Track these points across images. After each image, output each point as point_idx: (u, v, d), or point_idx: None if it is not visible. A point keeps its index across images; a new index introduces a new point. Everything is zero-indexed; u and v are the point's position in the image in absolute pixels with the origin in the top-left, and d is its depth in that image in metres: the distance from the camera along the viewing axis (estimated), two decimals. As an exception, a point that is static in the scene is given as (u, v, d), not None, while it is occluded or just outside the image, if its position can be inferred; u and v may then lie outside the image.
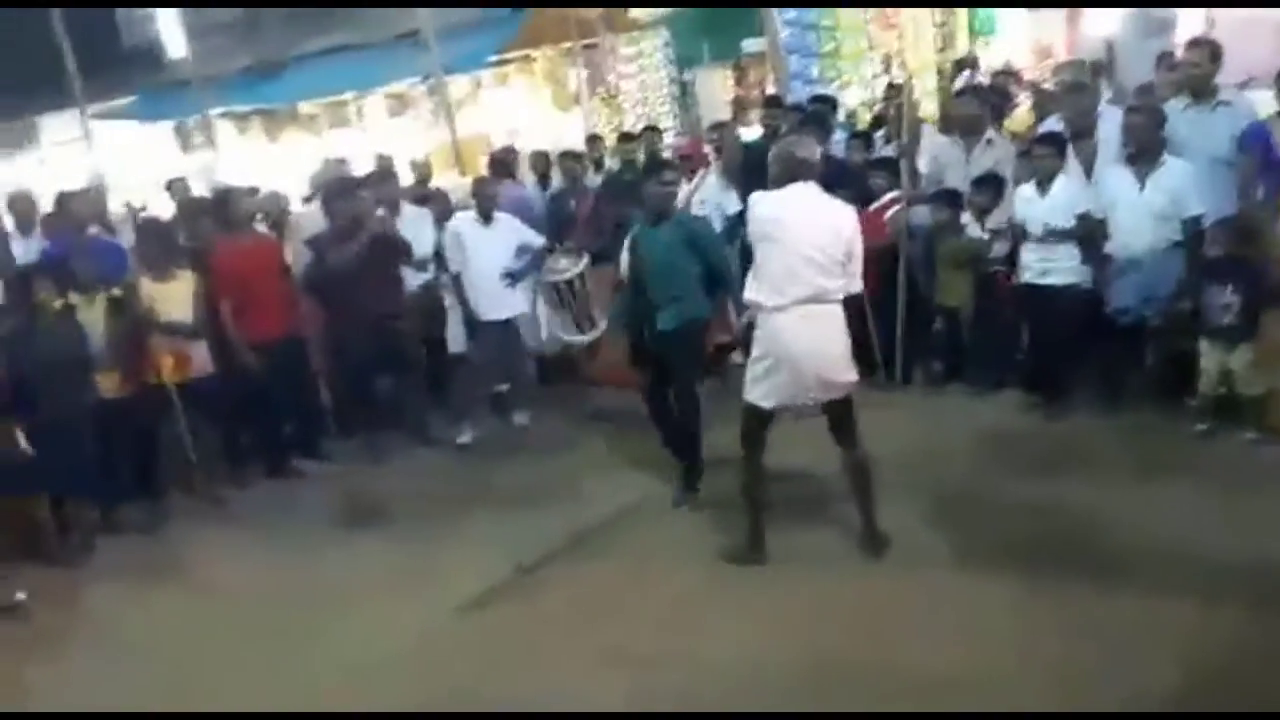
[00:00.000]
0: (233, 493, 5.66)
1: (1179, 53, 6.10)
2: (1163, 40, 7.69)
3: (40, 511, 4.88)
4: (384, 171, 7.17)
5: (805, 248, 3.72)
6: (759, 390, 3.83)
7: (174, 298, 5.32)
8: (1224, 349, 4.67)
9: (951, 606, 3.55)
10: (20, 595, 4.43)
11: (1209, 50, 5.29)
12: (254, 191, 6.79)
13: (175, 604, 4.38)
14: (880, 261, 5.97)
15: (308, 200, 7.21)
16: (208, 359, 5.45)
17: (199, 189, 8.06)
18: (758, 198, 3.85)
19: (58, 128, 12.87)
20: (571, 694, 3.30)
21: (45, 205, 6.54)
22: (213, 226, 5.80)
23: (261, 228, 6.29)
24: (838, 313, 3.84)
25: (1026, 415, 5.33)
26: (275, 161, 11.51)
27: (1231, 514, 3.96)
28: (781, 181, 3.84)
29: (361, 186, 6.18)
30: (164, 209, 7.82)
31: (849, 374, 3.90)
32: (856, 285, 3.99)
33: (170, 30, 13.47)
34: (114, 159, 11.43)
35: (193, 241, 5.79)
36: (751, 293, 3.79)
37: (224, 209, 5.81)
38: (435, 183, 7.70)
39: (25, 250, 5.97)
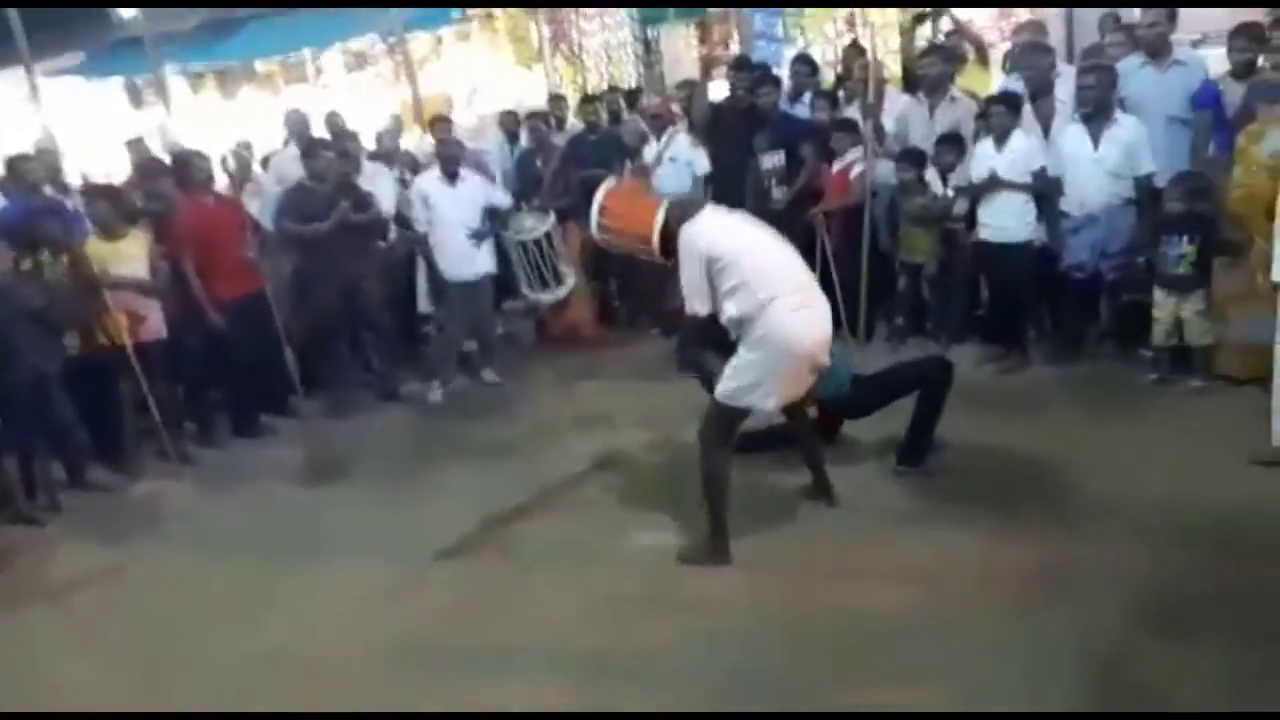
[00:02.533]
0: (201, 451, 5.64)
1: (1126, 14, 6.21)
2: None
3: (7, 471, 4.85)
4: (343, 129, 7.11)
5: (760, 246, 3.69)
6: (759, 392, 3.62)
7: (124, 256, 5.25)
8: (1177, 299, 4.82)
9: (910, 551, 3.66)
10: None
11: (1166, 10, 5.39)
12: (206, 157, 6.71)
13: (141, 562, 4.37)
14: (845, 220, 6.08)
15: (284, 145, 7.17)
16: (162, 319, 5.39)
17: (155, 148, 7.90)
18: (688, 233, 3.65)
19: (4, 86, 12.48)
20: (544, 644, 3.35)
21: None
22: (173, 187, 5.74)
23: (224, 181, 6.25)
24: (817, 293, 3.76)
25: (985, 368, 5.48)
26: (231, 120, 11.28)
27: (1178, 459, 4.11)
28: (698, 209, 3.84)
29: (327, 145, 6.17)
30: (118, 168, 7.70)
31: (828, 355, 3.83)
32: None
33: (121, -14, 13.05)
34: (63, 117, 11.12)
35: (152, 202, 5.72)
36: (732, 312, 3.60)
37: (185, 170, 5.73)
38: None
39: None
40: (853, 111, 6.33)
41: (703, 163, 6.45)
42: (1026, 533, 3.69)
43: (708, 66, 11.21)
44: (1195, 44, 6.20)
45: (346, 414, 6.00)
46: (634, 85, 10.48)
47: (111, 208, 5.36)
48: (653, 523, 4.09)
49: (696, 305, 3.65)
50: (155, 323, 5.37)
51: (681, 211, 3.78)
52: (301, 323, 6.14)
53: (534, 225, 6.40)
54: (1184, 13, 5.59)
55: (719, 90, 7.83)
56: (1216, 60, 5.47)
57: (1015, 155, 5.27)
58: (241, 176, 6.71)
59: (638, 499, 4.37)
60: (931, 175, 5.81)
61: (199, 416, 5.80)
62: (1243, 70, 5.12)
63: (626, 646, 3.28)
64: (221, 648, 3.56)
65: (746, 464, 4.39)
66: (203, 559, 4.31)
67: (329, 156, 5.95)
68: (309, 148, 6.06)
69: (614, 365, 6.42)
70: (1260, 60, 4.94)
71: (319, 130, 7.07)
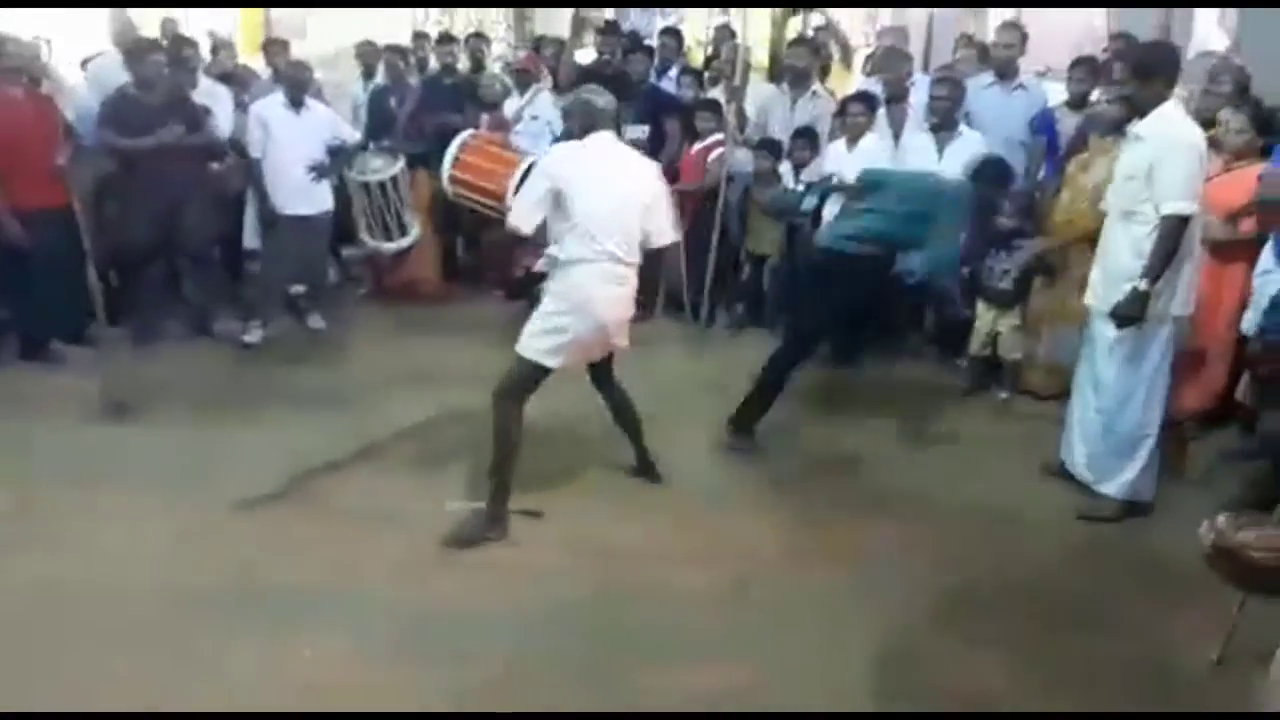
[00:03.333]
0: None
1: (981, 34, 6.50)
2: (978, 21, 8.14)
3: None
4: (180, 36, 6.54)
5: (611, 199, 3.55)
6: (547, 344, 3.57)
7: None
8: (996, 312, 5.09)
9: (723, 535, 3.71)
10: None
11: (1019, 34, 5.66)
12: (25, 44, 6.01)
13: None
14: (699, 203, 6.09)
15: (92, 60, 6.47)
16: None
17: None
18: (558, 150, 3.62)
19: None
20: (335, 601, 3.20)
21: None
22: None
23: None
24: (634, 277, 3.71)
25: (817, 365, 5.63)
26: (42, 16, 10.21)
27: (977, 463, 4.44)
28: (582, 132, 3.68)
29: (158, 49, 5.65)
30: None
31: (626, 339, 3.85)
32: (668, 237, 3.85)
33: None
34: None
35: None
36: (555, 251, 3.54)
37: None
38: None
39: None
40: (717, 93, 6.34)
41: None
42: (830, 518, 3.85)
43: (579, 28, 11.01)
44: (1039, 75, 6.54)
45: (152, 346, 5.56)
46: (501, 36, 10.18)
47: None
48: (468, 488, 3.96)
49: (521, 222, 3.53)
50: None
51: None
52: (111, 244, 5.63)
53: (381, 167, 6.10)
54: (1031, 45, 5.89)
55: (587, 54, 7.70)
56: (1055, 93, 5.79)
57: (866, 157, 5.40)
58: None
59: (457, 462, 4.23)
60: (785, 168, 5.90)
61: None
62: (1078, 101, 5.43)
63: (424, 611, 3.16)
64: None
65: (576, 440, 4.39)
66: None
67: (159, 61, 5.46)
68: (136, 48, 5.53)
69: (452, 323, 6.21)
70: (1095, 93, 5.26)
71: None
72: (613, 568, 3.45)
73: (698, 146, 6.11)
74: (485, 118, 6.45)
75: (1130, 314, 3.63)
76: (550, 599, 3.25)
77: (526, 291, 6.55)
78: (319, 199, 5.82)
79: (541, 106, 6.38)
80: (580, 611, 3.20)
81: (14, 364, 5.24)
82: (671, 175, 6.13)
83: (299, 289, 6.11)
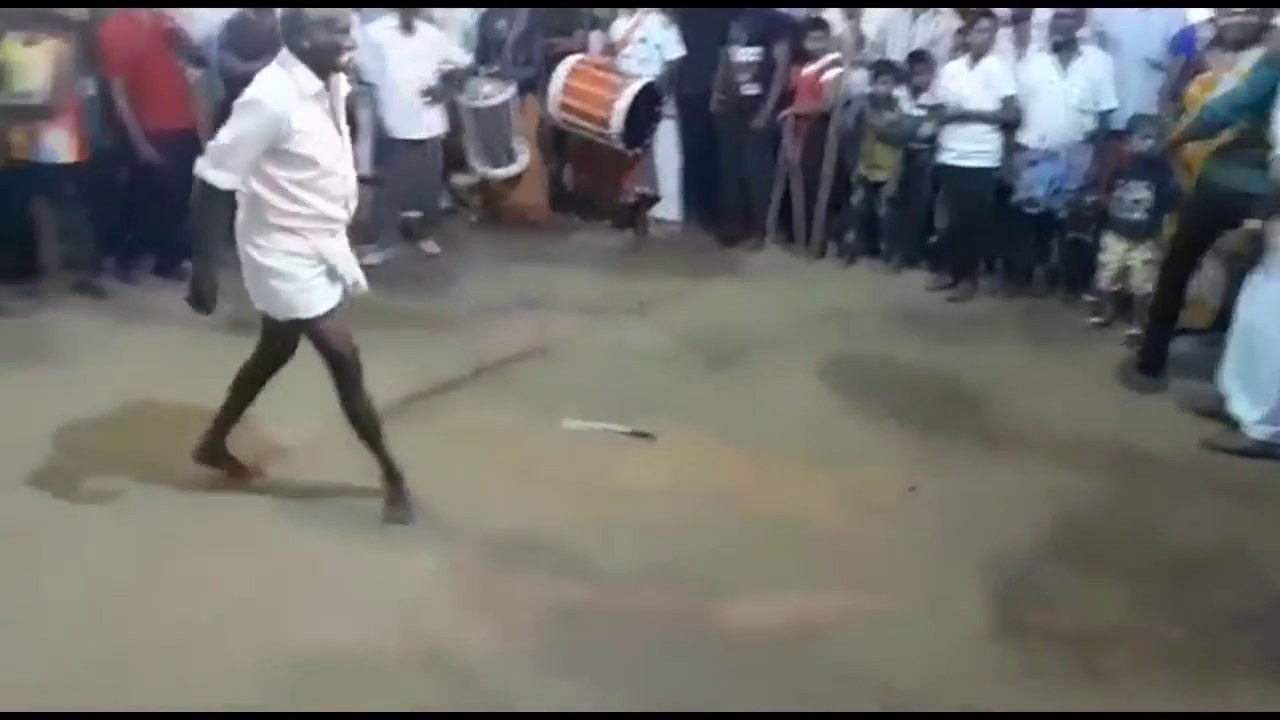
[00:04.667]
0: (120, 287, 5.36)
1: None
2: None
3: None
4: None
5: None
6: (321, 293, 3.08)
7: (31, 65, 4.79)
8: (1128, 245, 4.83)
9: (835, 466, 3.65)
10: None
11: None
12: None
13: (36, 387, 4.16)
14: (811, 127, 5.92)
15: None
16: (63, 141, 4.98)
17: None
18: (288, 81, 2.85)
19: None
20: (455, 517, 3.27)
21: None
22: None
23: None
24: None
25: (932, 294, 5.48)
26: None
27: (1101, 398, 4.25)
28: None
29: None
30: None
31: None
32: None
33: None
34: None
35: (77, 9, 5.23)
36: (279, 202, 2.93)
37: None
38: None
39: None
40: (832, 13, 6.11)
41: (673, 46, 6.17)
42: (948, 450, 3.75)
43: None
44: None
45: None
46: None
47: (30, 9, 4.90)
48: (582, 409, 4.01)
49: (222, 175, 2.86)
50: (57, 144, 4.94)
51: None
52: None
53: (492, 93, 6.10)
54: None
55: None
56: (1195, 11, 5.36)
57: (987, 76, 5.15)
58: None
59: (567, 386, 4.28)
60: (902, 91, 5.67)
61: (120, 251, 5.50)
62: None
63: (542, 526, 3.22)
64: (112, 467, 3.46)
65: (682, 366, 4.36)
66: (105, 390, 4.07)
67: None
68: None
69: (560, 251, 6.24)
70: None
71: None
72: (721, 494, 3.45)
73: (811, 68, 5.91)
74: (595, 41, 6.36)
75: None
76: (658, 520, 3.26)
77: (634, 220, 6.56)
78: (431, 124, 5.87)
79: (649, 28, 6.22)
80: (688, 533, 3.21)
81: (148, 279, 5.49)
82: (785, 99, 5.98)
83: (413, 214, 6.22)
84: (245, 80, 3.00)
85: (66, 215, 5.19)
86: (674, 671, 2.59)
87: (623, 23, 6.28)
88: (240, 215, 3.03)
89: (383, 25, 5.72)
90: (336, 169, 2.98)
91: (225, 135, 2.86)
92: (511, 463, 3.61)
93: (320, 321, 3.07)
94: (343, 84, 3.04)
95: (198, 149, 5.26)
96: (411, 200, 6.13)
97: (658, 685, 2.53)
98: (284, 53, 2.89)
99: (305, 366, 3.27)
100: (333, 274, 3.08)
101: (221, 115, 5.55)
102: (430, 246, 6.14)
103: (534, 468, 3.57)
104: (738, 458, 3.70)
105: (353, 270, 3.15)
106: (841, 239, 6.11)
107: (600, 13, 6.45)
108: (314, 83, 2.88)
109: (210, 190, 2.87)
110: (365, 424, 3.22)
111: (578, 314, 5.14)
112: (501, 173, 6.43)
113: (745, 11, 6.02)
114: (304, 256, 2.99)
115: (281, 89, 2.83)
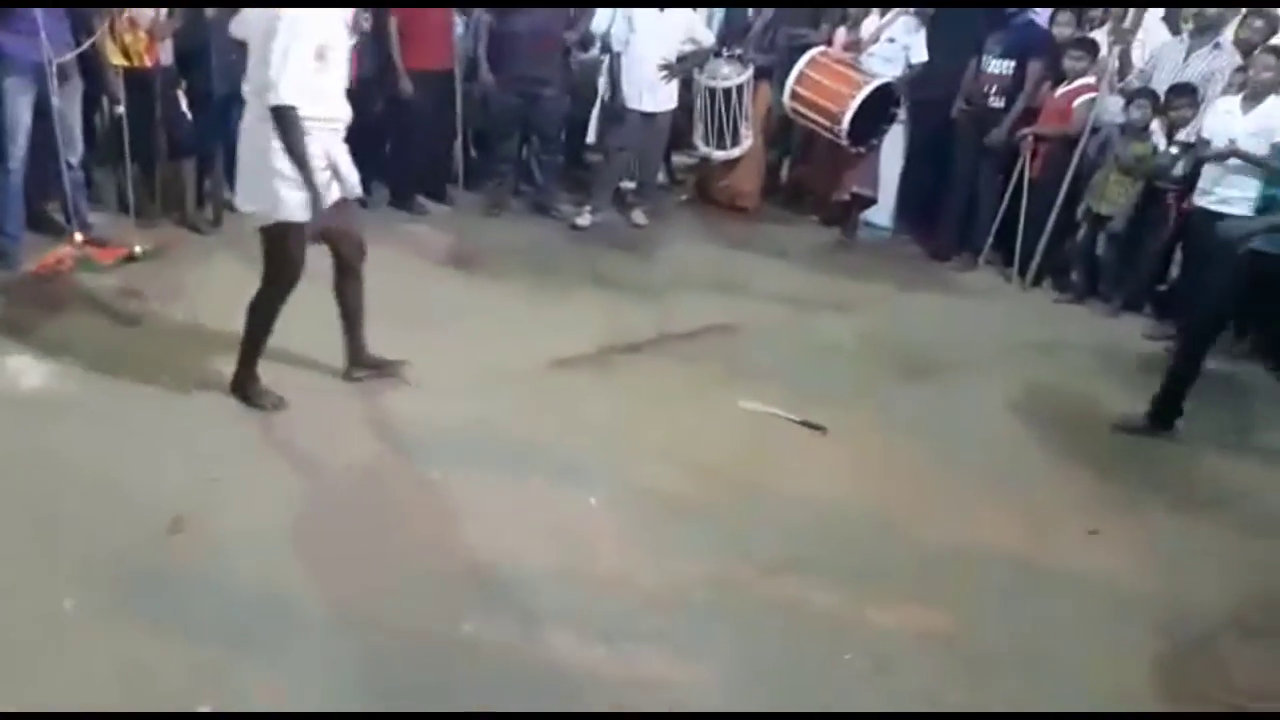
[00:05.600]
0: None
1: None
2: None
3: (185, 176, 5.17)
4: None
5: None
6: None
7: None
8: None
9: (1014, 495, 3.50)
10: (138, 249, 4.68)
11: None
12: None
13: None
14: (1052, 150, 5.60)
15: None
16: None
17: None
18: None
19: None
20: (619, 468, 3.37)
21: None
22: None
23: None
24: None
25: (1151, 343, 5.09)
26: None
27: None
28: None
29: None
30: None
31: None
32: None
33: None
34: None
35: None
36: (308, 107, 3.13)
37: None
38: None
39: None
40: (1100, 34, 5.76)
41: (920, 50, 6.01)
42: (1139, 504, 3.48)
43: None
44: None
45: (497, 215, 6.09)
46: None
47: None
48: (758, 392, 4.02)
49: (294, 93, 3.05)
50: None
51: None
52: (477, 116, 6.18)
53: (730, 74, 6.19)
54: None
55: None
56: None
57: (1265, 120, 4.68)
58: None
59: (747, 366, 4.30)
60: (1156, 125, 5.28)
61: (361, 176, 5.93)
62: None
63: (697, 497, 3.26)
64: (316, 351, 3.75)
65: (864, 358, 4.27)
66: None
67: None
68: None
69: (763, 240, 6.23)
70: None
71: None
72: (884, 501, 3.37)
73: (1063, 89, 5.60)
74: (840, 36, 6.30)
75: None
76: (816, 514, 3.23)
77: (845, 219, 6.46)
78: (664, 98, 6.00)
79: (899, 29, 6.10)
80: (844, 531, 3.16)
81: (382, 208, 5.91)
82: (1027, 117, 5.71)
83: (629, 185, 6.40)
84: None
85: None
86: (809, 670, 2.56)
87: (873, 21, 6.17)
88: (249, 120, 3.25)
89: (639, -1, 5.86)
90: (339, 79, 3.21)
91: (282, 51, 3.02)
92: (679, 429, 3.67)
93: (295, 228, 3.24)
94: None
95: (452, 90, 5.74)
96: (631, 170, 6.30)
97: (789, 682, 2.50)
98: None
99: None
100: (336, 174, 3.27)
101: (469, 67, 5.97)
102: (638, 217, 6.29)
103: (699, 438, 3.62)
104: (910, 467, 3.61)
105: (352, 173, 3.34)
106: (1062, 272, 5.78)
107: (853, 10, 6.36)
108: None
109: (286, 111, 3.06)
110: (264, 322, 3.39)
111: (772, 302, 5.14)
112: (722, 155, 6.51)
113: (1006, 25, 5.78)
114: (315, 158, 3.17)
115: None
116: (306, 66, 3.07)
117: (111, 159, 5.11)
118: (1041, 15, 5.87)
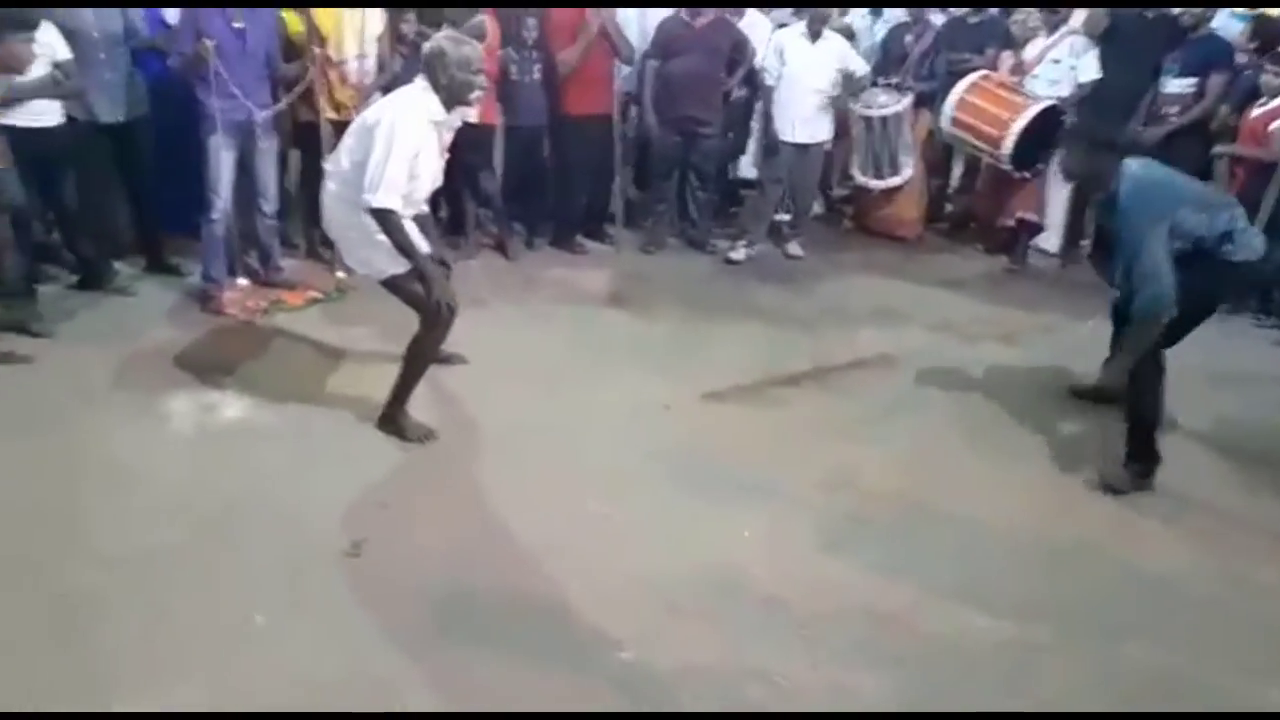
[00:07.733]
0: (521, 251, 6.02)
1: None
2: None
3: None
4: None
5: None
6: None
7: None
8: None
9: (1206, 528, 3.26)
10: (325, 292, 5.05)
11: None
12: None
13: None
14: (1251, 174, 5.18)
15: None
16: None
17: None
18: (417, 107, 3.42)
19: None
20: (766, 484, 3.40)
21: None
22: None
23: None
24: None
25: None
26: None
27: None
28: None
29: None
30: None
31: None
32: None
33: None
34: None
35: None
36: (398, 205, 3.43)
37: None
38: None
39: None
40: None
41: (1090, 70, 5.73)
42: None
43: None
44: None
45: (654, 252, 6.21)
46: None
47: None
48: (919, 426, 3.91)
49: (394, 198, 3.37)
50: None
51: None
52: (636, 156, 6.33)
53: (886, 103, 6.10)
54: None
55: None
56: None
57: None
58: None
59: (912, 399, 4.20)
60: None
61: (526, 219, 6.20)
62: None
63: (852, 530, 3.22)
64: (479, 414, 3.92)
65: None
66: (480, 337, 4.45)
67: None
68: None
69: (925, 270, 6.08)
70: None
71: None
72: (1074, 539, 3.25)
73: (1260, 110, 5.18)
74: (1006, 59, 6.10)
75: None
76: (994, 550, 3.16)
77: (1012, 246, 6.21)
78: (819, 130, 5.96)
79: (1066, 49, 5.83)
80: (1025, 567, 3.07)
81: (544, 249, 6.15)
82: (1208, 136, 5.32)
83: (784, 216, 6.38)
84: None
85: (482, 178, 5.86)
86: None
87: (1040, 42, 5.95)
88: (337, 194, 3.56)
89: (792, 31, 5.88)
90: (427, 184, 3.56)
91: (380, 162, 3.32)
92: (831, 463, 3.63)
93: (405, 275, 3.53)
94: (469, 114, 3.65)
95: (611, 133, 5.90)
96: (785, 203, 6.28)
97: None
98: (421, 79, 3.43)
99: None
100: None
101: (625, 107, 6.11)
102: (794, 249, 6.26)
103: (857, 473, 3.57)
104: (1092, 504, 3.45)
105: (422, 243, 3.56)
106: (1265, 297, 5.34)
107: (1016, 31, 6.15)
108: (440, 112, 3.43)
109: (387, 214, 3.36)
110: (420, 364, 3.65)
111: (934, 332, 5.00)
112: (880, 184, 6.41)
113: (1185, 41, 5.44)
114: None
115: (418, 117, 3.39)
116: (401, 175, 3.36)
117: (303, 208, 5.52)
118: (1223, 26, 5.48)
